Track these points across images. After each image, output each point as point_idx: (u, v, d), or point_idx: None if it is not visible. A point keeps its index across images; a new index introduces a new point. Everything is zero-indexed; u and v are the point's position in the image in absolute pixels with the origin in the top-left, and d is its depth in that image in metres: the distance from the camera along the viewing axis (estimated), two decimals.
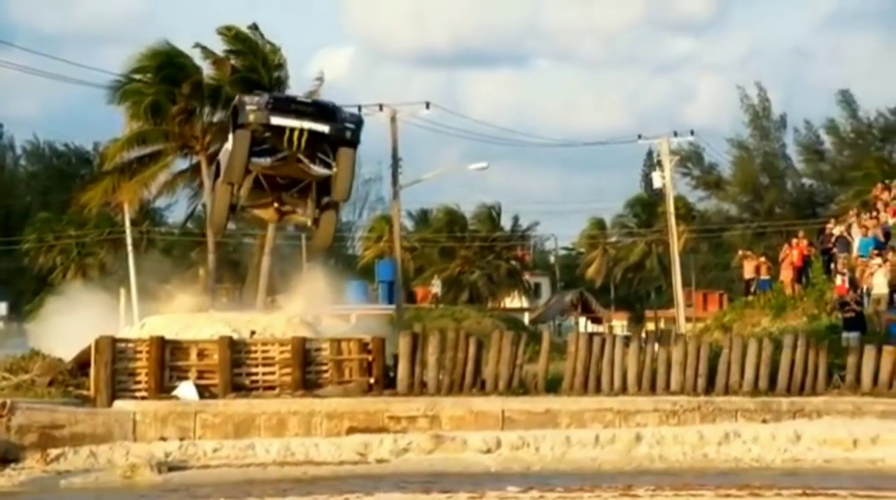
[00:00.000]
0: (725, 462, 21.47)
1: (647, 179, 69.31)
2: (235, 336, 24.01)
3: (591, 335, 26.30)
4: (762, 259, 36.54)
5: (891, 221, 32.82)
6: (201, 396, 22.94)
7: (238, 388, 23.37)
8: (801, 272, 33.16)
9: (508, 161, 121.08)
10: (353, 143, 19.13)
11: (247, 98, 18.78)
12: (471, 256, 71.24)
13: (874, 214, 34.02)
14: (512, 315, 61.13)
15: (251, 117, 18.51)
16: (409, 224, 72.21)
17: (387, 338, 24.76)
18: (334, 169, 19.11)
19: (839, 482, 19.88)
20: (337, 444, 21.63)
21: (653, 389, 24.35)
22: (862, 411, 23.60)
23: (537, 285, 78.42)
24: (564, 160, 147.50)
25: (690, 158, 65.78)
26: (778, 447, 21.87)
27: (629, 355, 24.53)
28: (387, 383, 24.06)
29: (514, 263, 74.53)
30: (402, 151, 44.62)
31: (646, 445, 21.95)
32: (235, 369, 23.49)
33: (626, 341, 25.30)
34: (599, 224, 75.56)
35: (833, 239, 32.86)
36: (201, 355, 23.50)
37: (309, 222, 20.33)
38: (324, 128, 18.64)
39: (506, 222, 75.07)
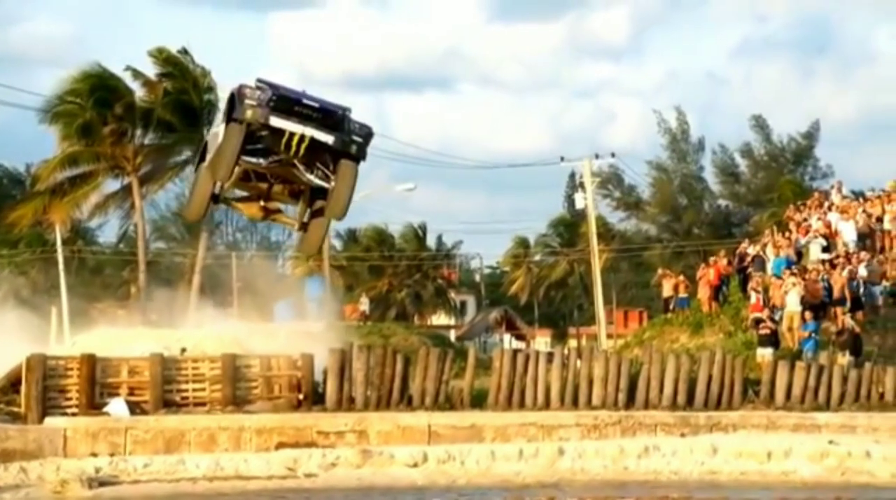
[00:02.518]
0: (645, 475, 21.94)
1: (570, 200, 70.23)
2: (166, 353, 24.22)
3: (515, 352, 26.71)
4: (680, 278, 36.99)
5: (802, 241, 33.64)
6: (132, 412, 23.11)
7: (169, 404, 23.60)
8: (717, 291, 33.78)
9: (435, 182, 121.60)
10: (358, 157, 16.91)
11: (248, 90, 16.41)
12: (398, 274, 71.54)
13: (787, 234, 34.85)
14: (438, 332, 61.33)
15: (248, 114, 16.26)
16: (338, 243, 72.24)
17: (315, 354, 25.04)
18: (332, 183, 16.86)
19: (754, 493, 20.64)
20: (266, 459, 21.93)
21: (575, 404, 24.89)
22: (776, 424, 24.26)
23: (463, 303, 78.77)
24: (489, 181, 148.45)
25: (611, 180, 66.43)
26: (695, 459, 22.38)
27: (552, 371, 25.10)
28: (316, 399, 24.44)
29: (440, 281, 74.94)
30: None
31: (568, 458, 22.37)
32: (166, 386, 23.71)
33: (550, 357, 25.74)
34: (523, 243, 76.07)
35: (749, 258, 33.58)
36: (132, 372, 23.70)
37: (295, 226, 18.18)
38: (328, 138, 16.45)
39: (431, 242, 75.48)
